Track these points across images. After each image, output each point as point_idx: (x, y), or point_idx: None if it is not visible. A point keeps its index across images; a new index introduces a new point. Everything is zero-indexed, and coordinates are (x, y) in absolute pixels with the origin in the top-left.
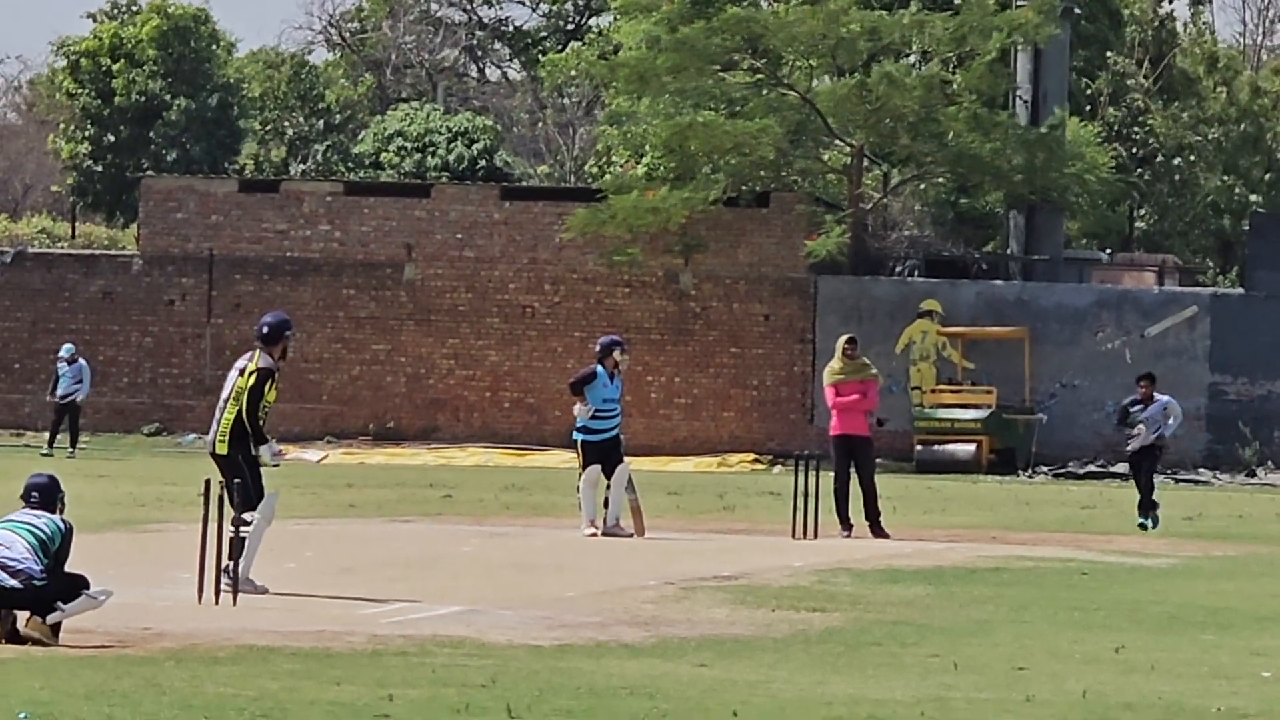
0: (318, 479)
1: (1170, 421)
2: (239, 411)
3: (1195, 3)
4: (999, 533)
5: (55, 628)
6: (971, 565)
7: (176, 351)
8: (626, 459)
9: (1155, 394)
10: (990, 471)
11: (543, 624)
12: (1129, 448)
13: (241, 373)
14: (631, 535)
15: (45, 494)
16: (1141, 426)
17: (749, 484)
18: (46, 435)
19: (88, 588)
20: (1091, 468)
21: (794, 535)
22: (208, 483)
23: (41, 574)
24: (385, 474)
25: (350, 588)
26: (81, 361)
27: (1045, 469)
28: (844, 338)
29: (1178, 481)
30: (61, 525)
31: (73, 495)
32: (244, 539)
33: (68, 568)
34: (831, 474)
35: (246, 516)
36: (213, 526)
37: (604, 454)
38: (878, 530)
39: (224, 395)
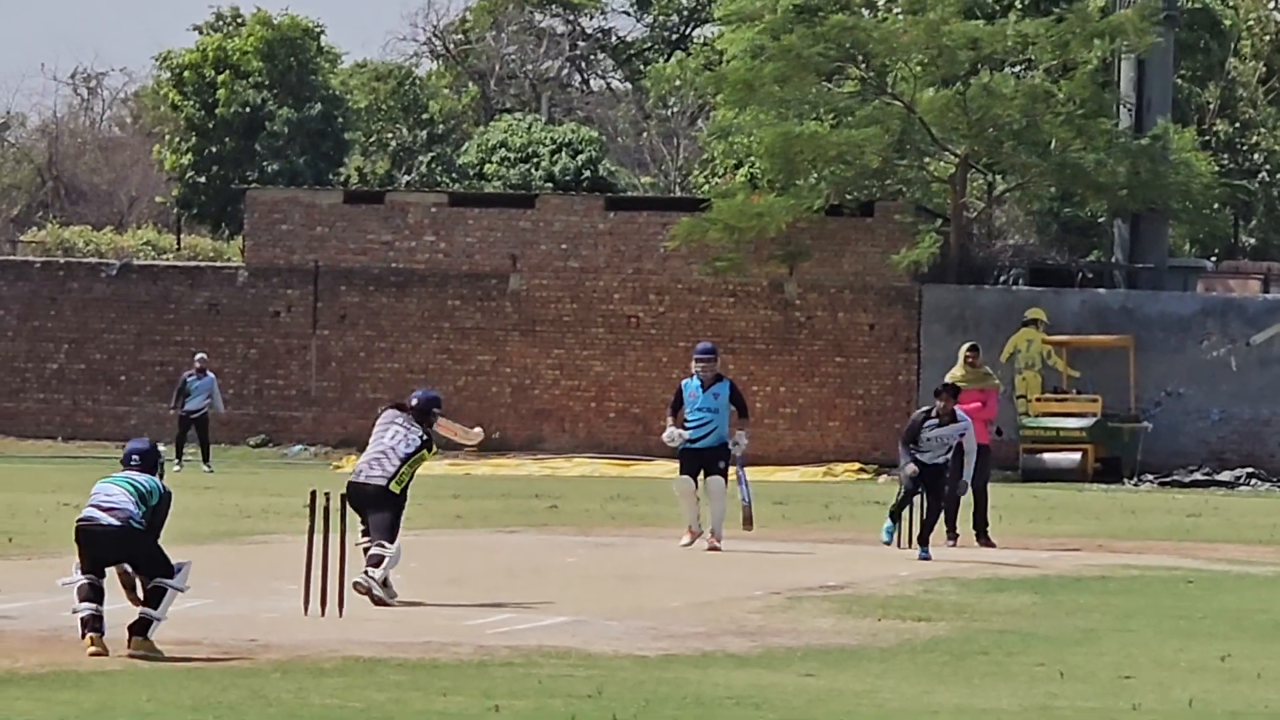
0: (424, 490)
1: (968, 457)
2: (413, 471)
3: None
4: (1105, 541)
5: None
6: (1077, 574)
7: (282, 363)
8: (722, 478)
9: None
10: (1095, 480)
11: (648, 634)
12: (908, 470)
13: (413, 432)
14: (719, 549)
15: (146, 459)
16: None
17: (854, 493)
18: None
19: (171, 575)
20: (1197, 476)
21: (899, 545)
22: (313, 494)
23: (140, 518)
24: (491, 485)
25: (456, 598)
26: (211, 374)
27: (1151, 477)
28: (966, 345)
29: None
30: (161, 487)
31: (179, 507)
32: (379, 555)
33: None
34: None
35: (383, 540)
36: (318, 538)
37: (697, 463)
38: (984, 539)
39: (396, 447)
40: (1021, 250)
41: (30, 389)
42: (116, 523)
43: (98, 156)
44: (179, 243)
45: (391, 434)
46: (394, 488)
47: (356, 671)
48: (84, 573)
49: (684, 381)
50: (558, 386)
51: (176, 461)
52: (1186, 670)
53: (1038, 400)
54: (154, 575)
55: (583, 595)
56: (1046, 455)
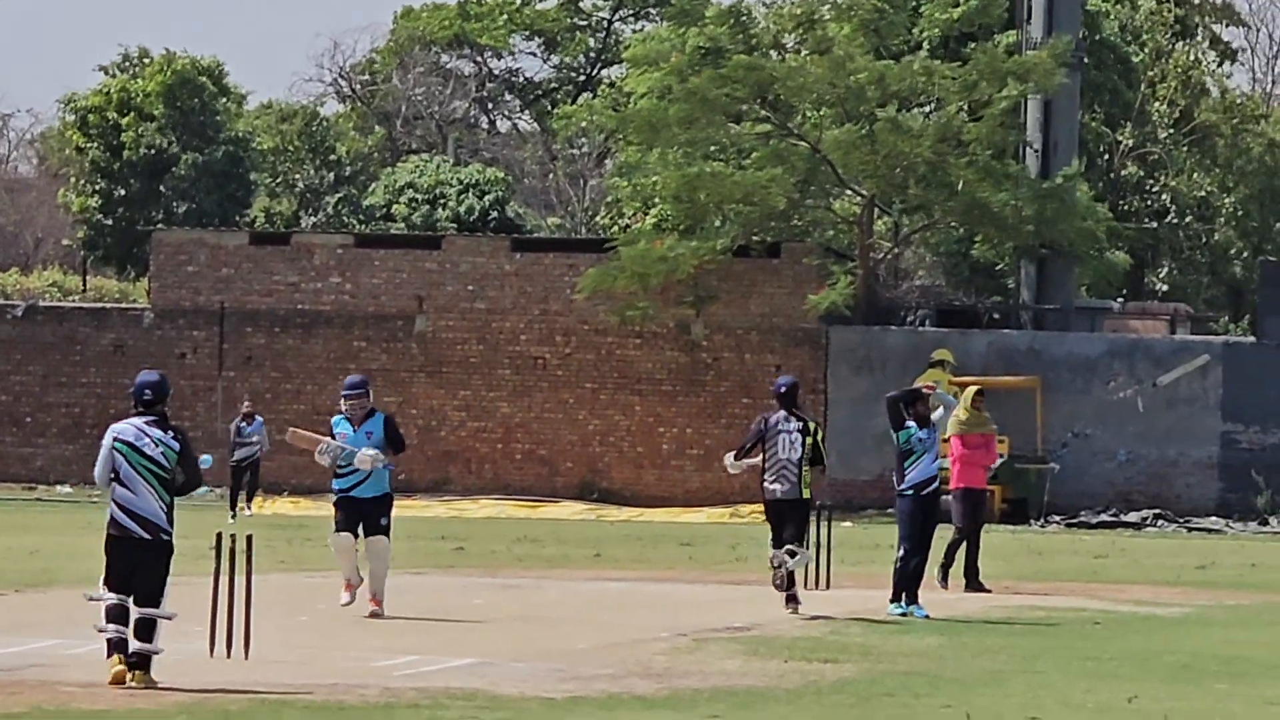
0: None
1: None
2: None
3: (1223, 57)
4: (1011, 583)
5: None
6: (984, 615)
7: (188, 404)
8: (385, 537)
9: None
10: (1002, 521)
11: (555, 676)
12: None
13: (805, 432)
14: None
15: (158, 390)
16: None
17: (761, 534)
18: (225, 496)
19: (159, 600)
20: (1104, 517)
21: (806, 586)
22: (219, 536)
23: (169, 527)
24: (397, 527)
25: (362, 640)
26: (259, 419)
27: (1058, 518)
28: (974, 389)
29: (1190, 530)
30: (175, 444)
31: (83, 549)
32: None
33: None
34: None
35: (794, 548)
36: (224, 579)
37: (356, 516)
38: (974, 585)
39: (788, 456)
40: (928, 291)
41: None
42: (147, 536)
43: (3, 198)
44: (85, 284)
45: (781, 443)
46: (805, 494)
47: (262, 714)
48: (111, 587)
49: (334, 419)
50: (464, 428)
51: (231, 512)
52: (1094, 712)
53: (944, 441)
54: (148, 595)
55: (489, 637)
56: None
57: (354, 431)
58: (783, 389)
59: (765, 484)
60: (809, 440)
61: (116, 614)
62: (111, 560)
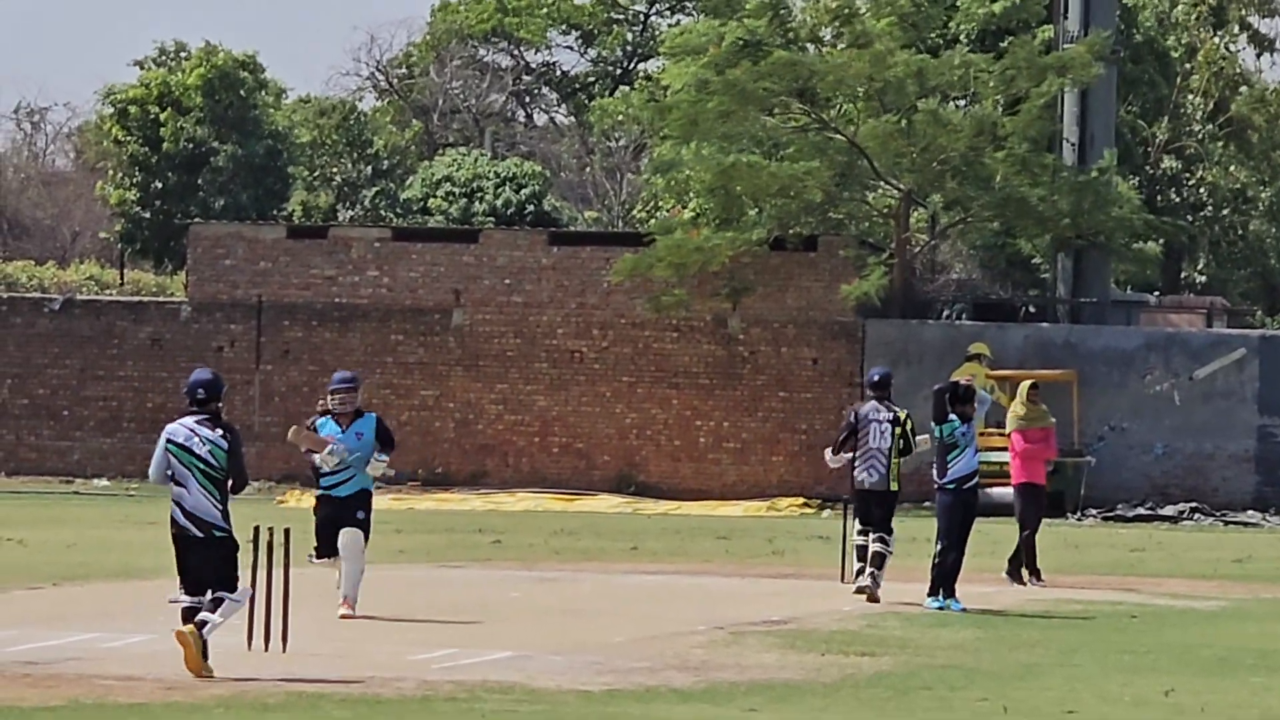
0: None
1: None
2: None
3: (1261, 48)
4: (1048, 576)
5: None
6: (1020, 609)
7: (225, 398)
8: (358, 530)
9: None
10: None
11: (592, 669)
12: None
13: (895, 422)
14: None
15: (210, 389)
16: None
17: (798, 528)
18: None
19: (234, 589)
20: (1140, 510)
21: (843, 579)
22: (256, 529)
23: (224, 523)
24: (434, 520)
25: (399, 634)
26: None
27: (1094, 512)
28: (1028, 383)
29: (1227, 524)
30: (224, 443)
31: (119, 543)
32: (881, 554)
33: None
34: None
35: (885, 535)
36: (262, 573)
37: (334, 519)
38: (1015, 576)
39: (879, 445)
40: (965, 285)
41: None
42: (200, 534)
43: (41, 191)
44: (122, 278)
45: (872, 433)
46: (893, 487)
47: (300, 707)
48: (184, 588)
49: (318, 421)
50: (501, 421)
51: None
52: (1130, 705)
53: (981, 435)
54: (219, 587)
55: (526, 630)
56: (990, 490)
57: (343, 433)
58: (875, 378)
59: (855, 473)
60: (899, 430)
61: (190, 616)
62: (177, 559)
